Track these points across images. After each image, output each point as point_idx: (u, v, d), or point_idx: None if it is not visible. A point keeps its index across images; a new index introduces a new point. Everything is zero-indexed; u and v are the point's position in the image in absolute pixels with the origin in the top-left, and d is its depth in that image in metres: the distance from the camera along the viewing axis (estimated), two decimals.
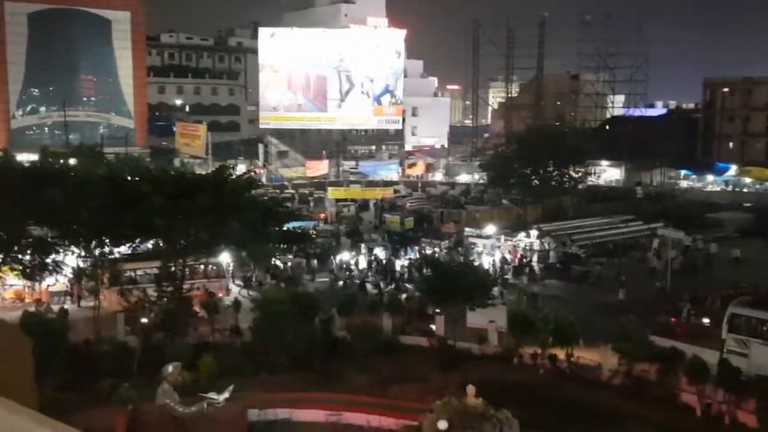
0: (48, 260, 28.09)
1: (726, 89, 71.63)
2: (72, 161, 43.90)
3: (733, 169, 69.38)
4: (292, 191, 62.72)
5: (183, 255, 27.34)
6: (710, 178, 70.45)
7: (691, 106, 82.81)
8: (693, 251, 43.08)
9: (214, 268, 32.46)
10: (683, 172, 72.46)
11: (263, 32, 77.93)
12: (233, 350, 24.47)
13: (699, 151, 72.27)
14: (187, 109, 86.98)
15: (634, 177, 73.08)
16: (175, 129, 78.13)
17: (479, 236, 44.82)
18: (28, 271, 28.08)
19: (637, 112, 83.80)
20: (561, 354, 23.91)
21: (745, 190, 66.40)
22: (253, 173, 34.99)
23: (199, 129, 75.05)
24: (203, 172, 39.68)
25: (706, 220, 51.31)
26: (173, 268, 26.96)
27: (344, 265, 39.09)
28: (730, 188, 67.07)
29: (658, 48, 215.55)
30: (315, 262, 39.55)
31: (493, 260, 40.39)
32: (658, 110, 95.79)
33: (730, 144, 71.32)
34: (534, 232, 44.79)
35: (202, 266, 31.27)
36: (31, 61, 69.24)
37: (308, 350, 23.14)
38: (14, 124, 69.67)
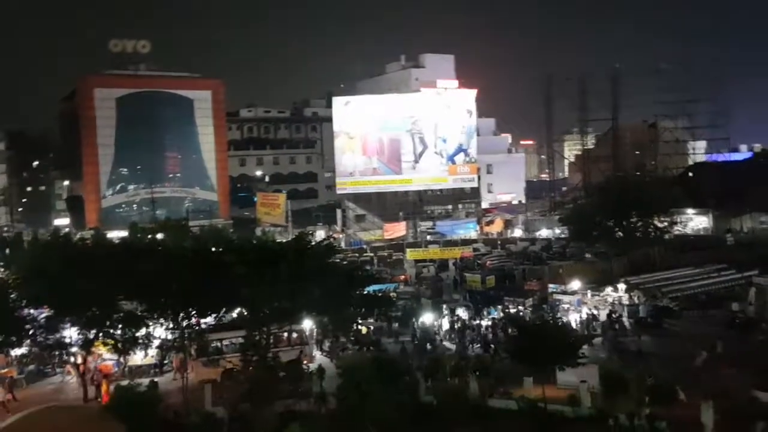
0: (138, 333, 29.05)
1: None
2: (159, 236, 45.80)
3: None
4: (371, 254, 63.27)
5: (267, 323, 27.87)
6: None
7: None
8: None
9: (298, 335, 32.81)
10: None
11: (337, 101, 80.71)
12: (319, 418, 24.45)
13: None
14: (267, 179, 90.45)
15: (722, 224, 69.71)
16: (256, 199, 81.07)
17: (564, 292, 43.57)
18: (119, 345, 29.03)
19: (721, 157, 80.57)
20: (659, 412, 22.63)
21: None
22: (332, 239, 35.61)
23: (279, 198, 77.58)
24: (284, 240, 40.73)
25: None
26: (258, 337, 27.47)
27: (427, 328, 38.71)
28: None
29: (739, 91, 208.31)
30: (396, 325, 39.40)
31: (580, 317, 39.10)
32: (743, 154, 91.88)
33: None
34: (622, 286, 43.21)
35: (285, 334, 31.66)
36: (119, 142, 74.27)
37: (393, 416, 22.83)
38: (105, 203, 74.28)
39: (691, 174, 79.71)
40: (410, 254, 61.05)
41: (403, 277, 54.62)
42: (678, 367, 28.44)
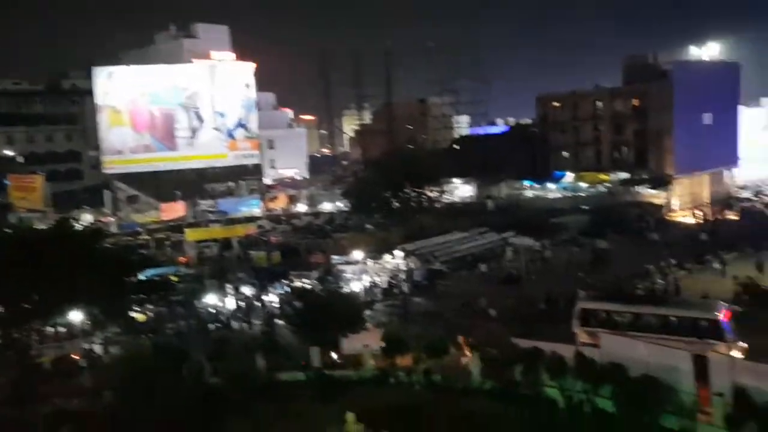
0: None
1: (556, 104, 77.78)
2: None
3: (569, 176, 75.23)
4: (147, 237, 59.79)
5: (27, 319, 25.14)
6: (551, 186, 75.94)
7: (529, 121, 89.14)
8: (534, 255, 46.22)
9: (66, 329, 30.08)
10: (526, 182, 77.49)
11: (99, 72, 74.33)
12: (93, 416, 22.69)
13: (538, 163, 77.61)
14: (21, 159, 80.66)
15: (484, 192, 77.13)
16: (7, 182, 72.02)
17: (347, 263, 45.19)
18: None
19: (481, 130, 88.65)
20: (434, 367, 24.57)
21: (581, 194, 72.20)
22: (100, 222, 33.00)
23: (36, 180, 69.82)
24: (44, 227, 36.85)
25: (550, 226, 55.08)
26: (17, 335, 24.68)
27: (211, 309, 37.74)
28: (569, 194, 72.67)
29: (497, 69, 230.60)
30: (179, 309, 37.88)
31: (363, 285, 40.90)
32: (500, 127, 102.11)
33: (565, 154, 77.29)
34: (399, 253, 45.87)
35: (52, 329, 28.89)
36: None
37: (177, 404, 21.95)
38: None
39: (456, 146, 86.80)
40: (190, 235, 58.77)
41: (183, 259, 52.52)
42: (449, 322, 31.05)
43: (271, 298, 39.10)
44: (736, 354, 22.92)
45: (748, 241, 45.48)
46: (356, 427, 17.45)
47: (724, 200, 67.79)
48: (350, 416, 17.60)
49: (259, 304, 38.48)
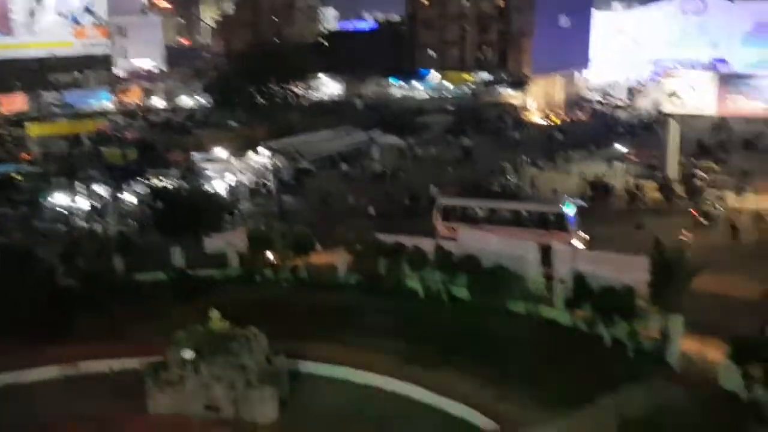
0: None
1: (425, 1, 77.15)
2: None
3: (434, 75, 76.15)
4: None
5: None
6: (417, 85, 76.59)
7: (398, 18, 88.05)
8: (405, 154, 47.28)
9: None
10: (393, 80, 77.59)
11: None
12: None
13: (405, 60, 77.60)
14: None
15: (352, 89, 76.44)
16: None
17: (209, 161, 43.66)
18: None
19: (350, 26, 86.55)
20: (301, 264, 24.86)
21: (446, 94, 73.61)
22: None
23: None
24: None
25: (416, 125, 56.03)
26: None
27: (61, 209, 35.32)
28: (435, 95, 73.84)
29: None
30: (25, 209, 35.16)
31: (227, 184, 39.86)
32: (369, 23, 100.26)
33: (431, 52, 77.73)
34: (265, 151, 44.87)
35: None
36: None
37: (31, 309, 20.71)
38: None
39: (324, 42, 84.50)
40: (33, 130, 53.79)
41: (26, 155, 48.30)
42: (316, 220, 31.24)
43: (128, 198, 37.21)
44: (578, 244, 25.06)
45: (595, 141, 49.14)
46: (221, 324, 17.42)
47: (575, 102, 71.88)
48: (215, 314, 17.51)
49: (114, 203, 36.52)
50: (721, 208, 31.81)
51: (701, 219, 30.40)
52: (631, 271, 19.50)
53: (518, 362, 17.61)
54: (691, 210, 31.65)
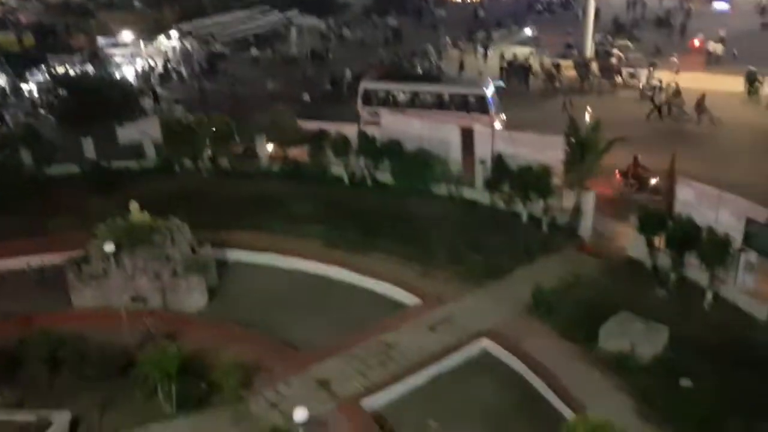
0: None
1: None
2: None
3: None
4: None
5: None
6: None
7: None
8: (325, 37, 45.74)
9: None
10: None
11: None
12: None
13: None
14: None
15: None
16: None
17: (116, 45, 41.00)
18: None
19: None
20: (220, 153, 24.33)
21: None
22: None
23: None
24: None
25: (336, 4, 53.82)
26: None
27: None
28: None
29: None
30: None
31: (136, 70, 37.78)
32: None
33: None
34: (175, 34, 42.37)
35: None
36: None
37: None
38: None
39: None
40: None
41: None
42: (234, 105, 30.25)
43: (29, 87, 34.78)
44: (498, 125, 25.49)
45: (515, 19, 49.02)
46: (141, 216, 17.05)
47: None
48: (134, 205, 17.08)
49: (16, 95, 34.15)
50: (637, 85, 32.87)
51: (617, 93, 31.34)
52: (547, 150, 20.17)
53: (440, 241, 18.27)
54: (608, 85, 32.64)
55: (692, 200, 16.94)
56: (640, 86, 32.30)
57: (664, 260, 17.03)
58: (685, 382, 13.09)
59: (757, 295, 15.64)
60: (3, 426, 12.46)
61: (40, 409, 12.64)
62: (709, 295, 15.90)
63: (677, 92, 29.66)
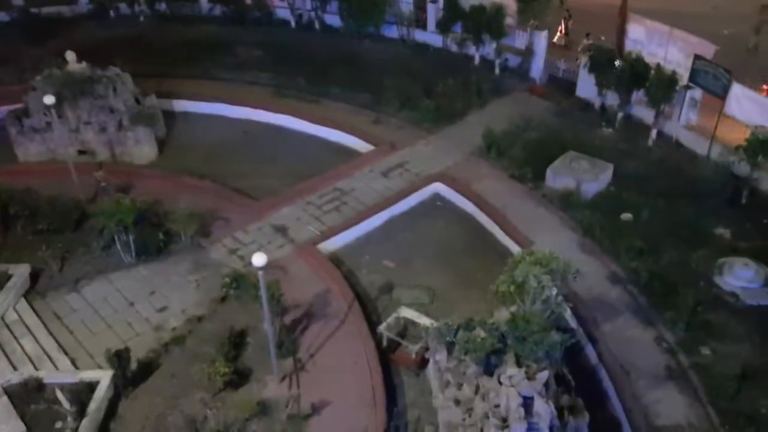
0: None
1: None
2: None
3: None
4: None
5: None
6: None
7: None
8: None
9: None
10: None
11: None
12: None
13: None
14: None
15: None
16: None
17: None
18: None
19: None
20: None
21: None
22: None
23: None
24: None
25: None
26: None
27: None
28: None
29: None
30: None
31: None
32: None
33: None
34: None
35: None
36: None
37: None
38: None
39: None
40: None
41: None
42: None
43: None
44: None
45: None
46: (79, 66, 16.12)
47: None
48: (71, 55, 16.10)
49: None
50: None
51: None
52: None
53: (392, 87, 17.96)
54: None
55: (642, 38, 16.85)
56: None
57: (612, 99, 17.26)
58: (626, 216, 13.81)
59: (699, 131, 16.16)
60: None
61: None
62: (653, 133, 16.37)
63: None
